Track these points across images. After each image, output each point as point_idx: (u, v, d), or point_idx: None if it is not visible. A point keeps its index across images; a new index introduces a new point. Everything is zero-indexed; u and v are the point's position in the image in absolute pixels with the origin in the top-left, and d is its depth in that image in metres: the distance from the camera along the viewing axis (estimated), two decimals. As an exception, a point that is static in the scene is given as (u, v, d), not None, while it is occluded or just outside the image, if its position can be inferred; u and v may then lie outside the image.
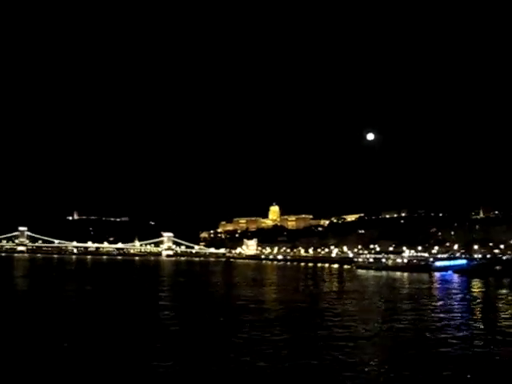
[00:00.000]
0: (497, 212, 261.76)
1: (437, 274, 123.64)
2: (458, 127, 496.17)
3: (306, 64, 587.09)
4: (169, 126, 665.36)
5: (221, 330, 35.37)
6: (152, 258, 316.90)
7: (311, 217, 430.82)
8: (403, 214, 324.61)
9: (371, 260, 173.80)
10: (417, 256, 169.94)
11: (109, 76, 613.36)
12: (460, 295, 71.05)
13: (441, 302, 60.92)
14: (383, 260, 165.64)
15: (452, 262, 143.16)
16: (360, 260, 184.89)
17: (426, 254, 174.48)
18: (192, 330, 35.83)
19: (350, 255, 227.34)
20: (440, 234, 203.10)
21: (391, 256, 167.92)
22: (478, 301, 66.00)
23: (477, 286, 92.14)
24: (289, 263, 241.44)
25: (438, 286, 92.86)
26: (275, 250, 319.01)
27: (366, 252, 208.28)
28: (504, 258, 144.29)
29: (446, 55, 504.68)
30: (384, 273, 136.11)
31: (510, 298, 68.71)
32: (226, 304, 54.56)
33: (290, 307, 51.68)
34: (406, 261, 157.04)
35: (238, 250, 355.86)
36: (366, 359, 26.95)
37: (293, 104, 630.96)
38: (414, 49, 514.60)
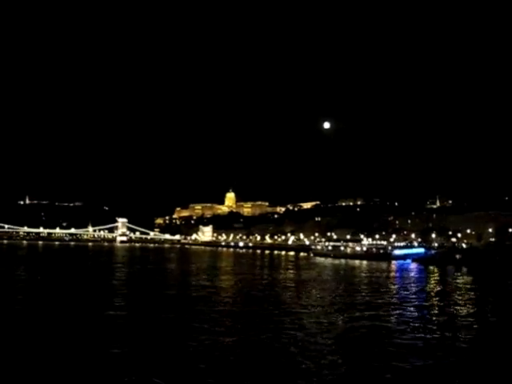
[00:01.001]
0: (451, 201, 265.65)
1: (396, 263, 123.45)
2: (414, 118, 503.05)
3: (262, 52, 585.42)
4: (124, 111, 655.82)
5: (173, 323, 33.83)
6: (106, 243, 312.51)
7: (267, 204, 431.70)
8: (359, 202, 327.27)
9: (330, 248, 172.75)
10: (376, 244, 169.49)
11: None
12: (419, 284, 70.17)
13: (399, 291, 59.82)
14: (342, 248, 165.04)
15: (410, 251, 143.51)
16: (318, 247, 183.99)
17: (385, 243, 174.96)
18: (144, 321, 34.45)
19: (307, 243, 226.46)
20: (397, 222, 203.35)
21: (350, 244, 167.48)
22: (437, 289, 65.08)
23: (436, 274, 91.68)
24: (245, 250, 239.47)
25: (397, 274, 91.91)
26: (231, 236, 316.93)
27: (323, 239, 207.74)
28: (464, 246, 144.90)
29: (398, 43, 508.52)
30: (343, 261, 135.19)
31: (468, 286, 68.38)
32: (180, 294, 52.00)
33: (246, 297, 49.92)
34: (365, 249, 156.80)
35: (194, 236, 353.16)
36: (318, 350, 26.60)
37: (250, 91, 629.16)
38: (367, 39, 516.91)
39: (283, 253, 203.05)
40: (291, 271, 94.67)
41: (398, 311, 42.14)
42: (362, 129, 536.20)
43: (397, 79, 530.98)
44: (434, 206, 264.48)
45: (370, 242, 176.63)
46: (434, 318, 38.98)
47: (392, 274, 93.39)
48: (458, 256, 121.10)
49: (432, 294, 59.62)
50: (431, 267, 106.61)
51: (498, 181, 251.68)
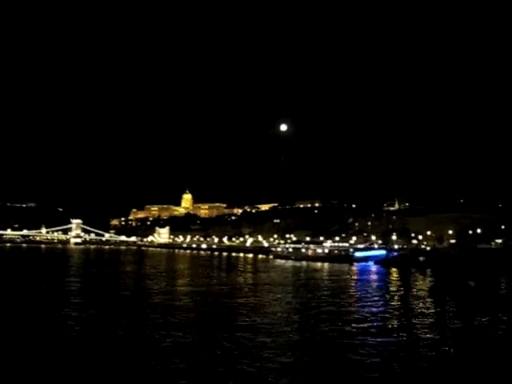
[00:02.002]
0: (408, 204, 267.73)
1: (357, 265, 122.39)
2: (371, 120, 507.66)
3: (219, 54, 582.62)
4: (77, 111, 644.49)
5: (127, 331, 32.09)
6: (59, 245, 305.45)
7: (225, 205, 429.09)
8: (317, 204, 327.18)
9: (290, 250, 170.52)
10: (338, 246, 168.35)
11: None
12: (381, 286, 69.24)
13: (361, 294, 58.44)
14: (303, 250, 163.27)
15: (372, 253, 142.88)
16: (278, 250, 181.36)
17: (347, 244, 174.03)
18: (97, 328, 32.64)
19: (265, 244, 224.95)
20: (357, 224, 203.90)
21: (311, 246, 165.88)
22: (400, 292, 63.96)
23: (399, 277, 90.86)
24: (202, 252, 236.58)
25: (359, 277, 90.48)
26: (188, 238, 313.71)
27: (282, 241, 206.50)
28: (428, 248, 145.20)
29: (353, 45, 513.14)
30: (304, 263, 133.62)
31: (431, 288, 68.00)
32: (136, 299, 49.33)
33: (202, 302, 47.59)
34: (326, 251, 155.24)
35: (150, 238, 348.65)
36: (272, 354, 26.26)
37: (207, 93, 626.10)
38: (323, 43, 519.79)
39: (241, 255, 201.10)
40: (250, 274, 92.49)
41: (358, 314, 41.39)
42: (317, 131, 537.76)
43: (354, 80, 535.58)
44: (392, 208, 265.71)
45: (332, 244, 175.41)
46: (396, 322, 38.60)
47: (354, 276, 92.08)
48: (421, 258, 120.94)
49: (394, 296, 58.62)
50: (393, 269, 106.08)
51: (453, 184, 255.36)
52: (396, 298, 57.36)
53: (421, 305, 49.30)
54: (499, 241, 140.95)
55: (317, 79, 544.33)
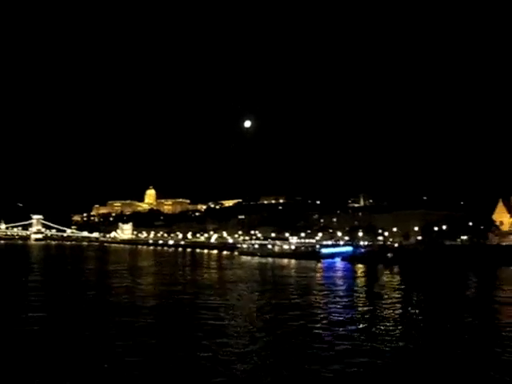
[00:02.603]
0: (372, 200, 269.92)
1: (324, 261, 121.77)
2: (334, 118, 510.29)
3: (183, 51, 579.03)
4: (39, 106, 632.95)
5: (90, 332, 30.98)
6: (20, 241, 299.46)
7: (188, 201, 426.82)
8: (281, 201, 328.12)
9: (256, 246, 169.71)
10: (304, 243, 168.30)
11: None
12: (348, 283, 68.92)
13: (328, 291, 57.79)
14: (269, 246, 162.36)
15: (339, 249, 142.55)
16: (244, 246, 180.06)
17: (313, 241, 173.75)
18: (55, 329, 31.47)
19: (230, 241, 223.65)
20: (322, 220, 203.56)
21: (278, 242, 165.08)
22: (367, 289, 63.71)
23: (367, 273, 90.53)
24: (166, 248, 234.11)
25: (326, 273, 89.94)
26: (152, 234, 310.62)
27: (247, 238, 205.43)
28: (396, 245, 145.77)
29: (314, 41, 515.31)
30: (270, 260, 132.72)
31: (398, 285, 67.71)
32: (98, 298, 47.73)
33: (167, 302, 46.49)
34: (293, 247, 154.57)
35: (113, 234, 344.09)
36: (237, 353, 26.14)
37: (171, 89, 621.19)
38: (285, 40, 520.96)
39: (206, 251, 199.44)
40: (215, 271, 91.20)
41: (326, 312, 41.08)
42: (281, 128, 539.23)
43: (319, 77, 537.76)
44: (356, 205, 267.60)
45: (298, 241, 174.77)
46: (362, 318, 38.40)
47: (321, 273, 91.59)
48: (389, 254, 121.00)
49: (361, 293, 58.45)
50: (361, 266, 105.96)
51: (416, 181, 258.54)
52: (362, 294, 57.04)
53: (387, 300, 49.29)
54: (465, 237, 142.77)
55: (282, 76, 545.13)
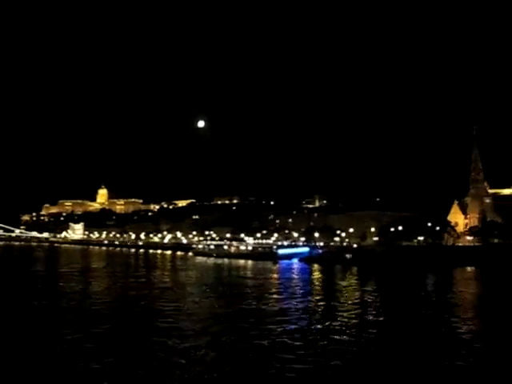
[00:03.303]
0: (325, 201, 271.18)
1: (282, 262, 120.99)
2: (285, 119, 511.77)
3: (135, 51, 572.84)
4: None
5: (40, 339, 30.14)
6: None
7: (141, 201, 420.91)
8: (235, 201, 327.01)
9: (212, 247, 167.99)
10: (262, 243, 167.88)
11: None
12: (305, 284, 68.71)
13: (285, 293, 57.71)
14: (225, 247, 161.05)
15: (296, 250, 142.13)
16: (200, 247, 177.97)
17: (270, 241, 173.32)
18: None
19: (184, 241, 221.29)
20: (278, 221, 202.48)
21: (234, 243, 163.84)
22: (324, 289, 63.91)
23: (324, 274, 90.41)
24: (118, 249, 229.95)
25: (284, 274, 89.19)
26: (104, 234, 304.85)
27: (201, 238, 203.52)
28: (355, 246, 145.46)
29: (277, 41, 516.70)
30: (226, 261, 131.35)
31: (355, 286, 67.87)
32: (47, 302, 46.24)
33: (121, 305, 45.62)
34: (250, 248, 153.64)
35: (64, 234, 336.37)
36: (188, 355, 26.38)
37: (123, 88, 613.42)
38: (236, 41, 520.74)
39: (159, 252, 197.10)
40: (169, 273, 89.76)
41: (283, 313, 41.46)
42: (234, 128, 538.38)
43: (270, 78, 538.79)
44: (311, 206, 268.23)
45: (255, 241, 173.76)
46: (319, 319, 38.78)
47: (278, 274, 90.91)
48: (348, 255, 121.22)
49: (318, 295, 58.56)
50: (318, 267, 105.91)
51: (369, 182, 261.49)
52: (319, 296, 56.82)
53: (344, 302, 49.83)
54: (421, 238, 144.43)
55: (235, 77, 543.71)
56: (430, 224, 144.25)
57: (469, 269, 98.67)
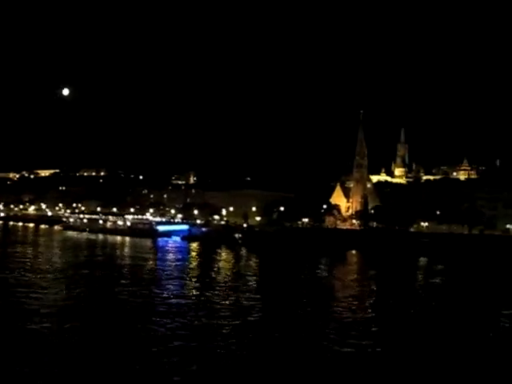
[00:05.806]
0: (195, 178, 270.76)
1: (161, 240, 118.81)
2: (159, 92, 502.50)
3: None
4: None
5: None
6: None
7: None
8: (103, 173, 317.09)
9: (85, 221, 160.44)
10: (141, 219, 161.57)
11: None
12: (184, 266, 67.83)
13: (165, 276, 56.30)
14: (100, 222, 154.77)
15: (175, 227, 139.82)
16: (71, 220, 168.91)
17: (150, 218, 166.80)
18: None
19: (49, 213, 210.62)
20: (152, 196, 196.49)
21: (111, 218, 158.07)
22: (205, 273, 62.89)
23: (209, 255, 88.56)
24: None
25: (164, 254, 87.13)
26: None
27: (68, 211, 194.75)
28: (244, 225, 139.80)
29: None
30: (101, 236, 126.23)
31: (244, 268, 68.00)
32: None
33: None
34: (129, 224, 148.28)
35: None
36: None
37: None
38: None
39: (20, 224, 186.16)
40: (30, 249, 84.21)
41: (166, 294, 42.90)
42: (103, 99, 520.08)
43: (141, 44, 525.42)
44: (182, 182, 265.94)
45: (134, 217, 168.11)
46: (198, 306, 39.86)
47: (159, 253, 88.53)
48: (237, 235, 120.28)
49: (198, 278, 58.08)
50: (200, 246, 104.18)
51: (243, 161, 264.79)
52: (200, 279, 56.50)
53: (242, 282, 52.33)
54: (306, 220, 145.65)
55: (104, 43, 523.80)
56: (313, 206, 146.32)
57: (353, 252, 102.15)
